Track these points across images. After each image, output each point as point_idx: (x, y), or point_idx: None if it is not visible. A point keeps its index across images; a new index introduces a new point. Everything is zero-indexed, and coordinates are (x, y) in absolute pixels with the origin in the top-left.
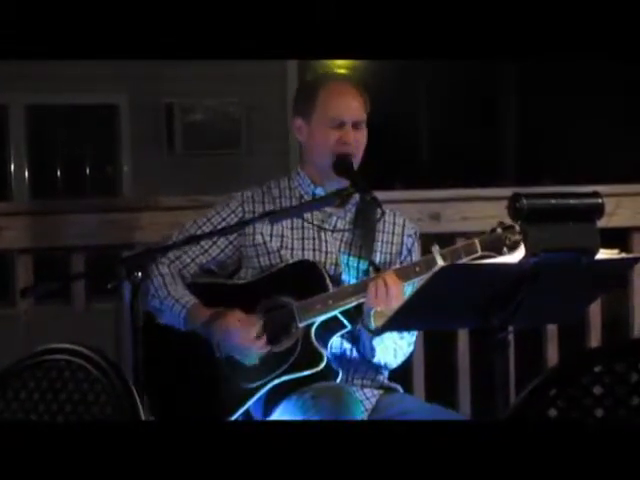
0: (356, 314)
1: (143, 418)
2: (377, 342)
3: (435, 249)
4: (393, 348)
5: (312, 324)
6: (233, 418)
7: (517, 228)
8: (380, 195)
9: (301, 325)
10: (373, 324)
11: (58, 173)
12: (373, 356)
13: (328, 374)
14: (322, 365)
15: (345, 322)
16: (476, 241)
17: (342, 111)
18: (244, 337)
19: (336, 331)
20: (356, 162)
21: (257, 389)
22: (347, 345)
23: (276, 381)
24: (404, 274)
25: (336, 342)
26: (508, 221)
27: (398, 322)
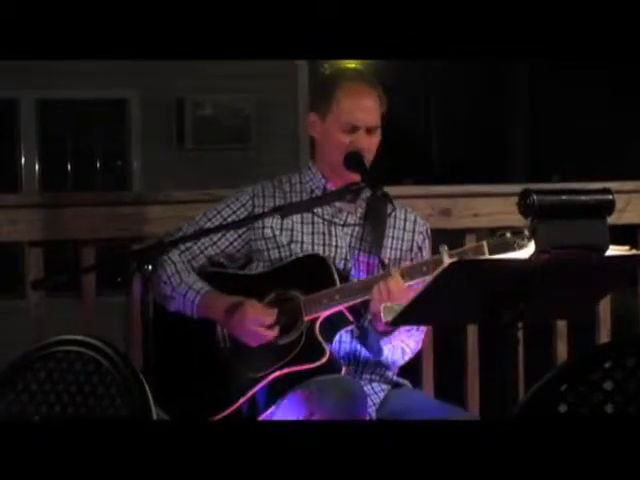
0: (362, 310)
1: (154, 410)
2: (385, 342)
3: (443, 249)
4: (401, 347)
5: (318, 318)
6: (236, 406)
7: (525, 233)
8: (391, 190)
9: (306, 318)
10: (383, 318)
11: (68, 167)
12: (380, 355)
13: (331, 368)
14: (324, 359)
15: (350, 318)
16: (484, 243)
17: (357, 117)
18: (259, 328)
19: (341, 326)
20: (367, 163)
21: (260, 379)
22: (356, 340)
23: (278, 372)
24: (410, 273)
25: (346, 337)
26: (519, 222)
27: (408, 317)
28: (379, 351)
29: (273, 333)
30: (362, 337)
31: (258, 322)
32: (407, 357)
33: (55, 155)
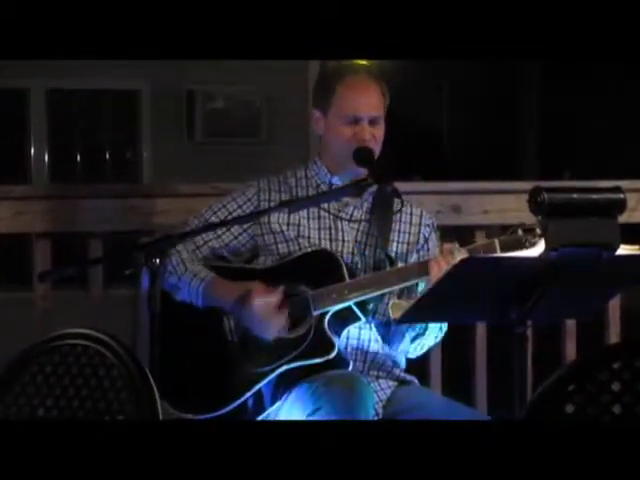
0: (370, 306)
1: (159, 403)
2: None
3: (455, 247)
4: (435, 332)
5: (326, 313)
6: (242, 401)
7: (537, 231)
8: (400, 186)
9: (315, 313)
10: (391, 315)
11: (78, 158)
12: (411, 342)
13: (339, 363)
14: (332, 354)
15: (359, 313)
16: (495, 241)
17: (358, 108)
18: (266, 308)
19: (350, 322)
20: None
21: (267, 373)
22: (364, 336)
23: (286, 367)
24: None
25: (353, 333)
26: (529, 220)
27: (416, 314)
28: (402, 337)
29: (282, 316)
30: (379, 329)
31: (264, 304)
32: (433, 339)
33: (65, 146)
